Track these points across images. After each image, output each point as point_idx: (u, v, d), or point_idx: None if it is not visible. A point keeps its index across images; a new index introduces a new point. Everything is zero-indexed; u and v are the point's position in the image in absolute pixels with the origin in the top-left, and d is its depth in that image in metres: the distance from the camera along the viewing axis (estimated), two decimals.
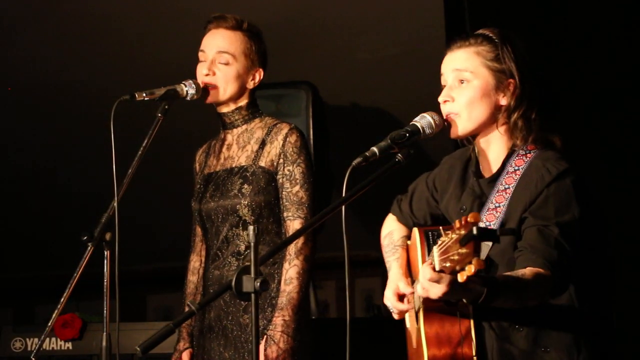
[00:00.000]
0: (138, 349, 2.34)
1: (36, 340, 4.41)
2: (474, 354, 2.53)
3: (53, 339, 4.36)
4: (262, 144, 3.38)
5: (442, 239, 2.23)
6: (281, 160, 3.34)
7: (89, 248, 2.99)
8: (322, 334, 3.84)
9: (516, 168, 2.63)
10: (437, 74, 2.76)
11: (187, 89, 3.30)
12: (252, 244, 2.32)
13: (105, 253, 2.98)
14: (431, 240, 2.65)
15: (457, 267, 2.16)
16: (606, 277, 2.66)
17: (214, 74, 3.37)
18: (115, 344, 2.94)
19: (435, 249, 2.27)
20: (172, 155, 4.74)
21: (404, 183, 3.03)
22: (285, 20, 5.19)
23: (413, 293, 2.71)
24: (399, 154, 2.60)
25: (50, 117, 5.87)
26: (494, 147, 2.71)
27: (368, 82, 5.67)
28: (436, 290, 2.31)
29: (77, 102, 5.72)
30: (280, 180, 3.34)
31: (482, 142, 2.72)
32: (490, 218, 2.58)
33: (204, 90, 3.35)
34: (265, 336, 3.20)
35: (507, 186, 2.61)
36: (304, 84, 4.98)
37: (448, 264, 2.20)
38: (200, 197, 3.44)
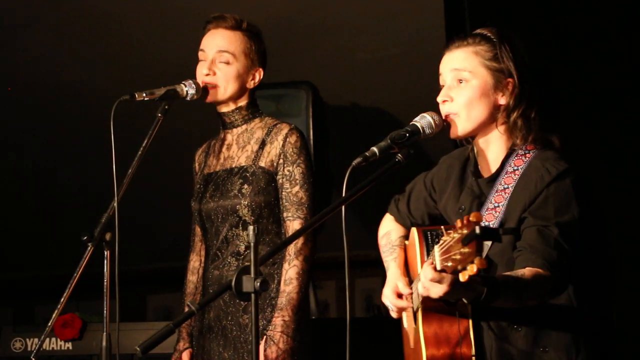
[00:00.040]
0: (138, 349, 2.34)
1: (36, 340, 4.41)
2: (472, 353, 2.53)
3: (53, 339, 4.36)
4: (262, 144, 3.38)
5: (443, 238, 2.23)
6: (281, 161, 3.34)
7: (89, 248, 2.99)
8: (322, 334, 3.84)
9: (515, 168, 2.63)
10: (437, 74, 2.76)
11: (187, 89, 3.30)
12: (252, 244, 2.32)
13: (105, 253, 2.98)
14: (430, 240, 2.64)
15: (459, 267, 2.16)
16: (605, 277, 2.66)
17: (214, 73, 3.37)
18: (115, 344, 2.94)
19: (436, 248, 2.27)
20: (172, 155, 4.74)
21: (404, 183, 3.03)
22: (285, 20, 5.19)
23: (411, 293, 2.72)
24: (399, 154, 2.60)
25: (50, 117, 5.87)
26: (493, 147, 2.71)
27: (368, 82, 5.67)
28: (437, 290, 2.31)
29: (77, 102, 5.72)
30: (280, 181, 3.34)
31: (482, 142, 2.72)
32: (490, 218, 2.58)
33: (204, 90, 3.35)
34: (264, 336, 3.20)
35: (506, 186, 2.61)
36: (304, 84, 4.97)
37: (450, 264, 2.20)
38: (200, 197, 3.44)
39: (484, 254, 2.49)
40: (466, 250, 2.13)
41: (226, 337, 3.32)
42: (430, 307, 2.56)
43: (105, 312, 2.96)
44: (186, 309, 3.36)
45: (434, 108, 2.70)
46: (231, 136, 3.46)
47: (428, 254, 2.61)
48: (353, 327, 2.48)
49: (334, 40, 5.48)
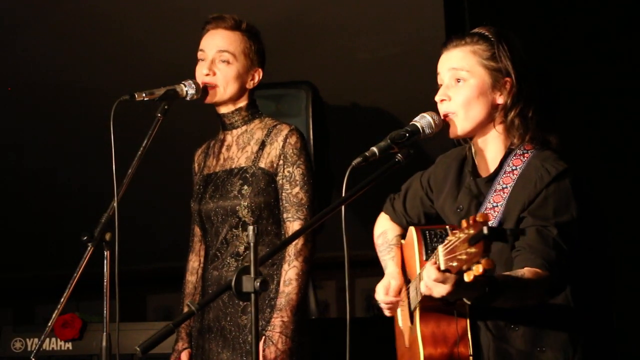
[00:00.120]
0: (138, 349, 2.34)
1: (36, 340, 4.41)
2: (470, 353, 2.53)
3: (53, 339, 4.36)
4: (262, 145, 3.38)
5: (448, 238, 2.23)
6: (281, 162, 3.34)
7: (89, 248, 2.99)
8: (322, 334, 3.83)
9: (514, 168, 2.63)
10: (437, 74, 2.76)
11: (187, 89, 3.29)
12: (251, 245, 2.32)
13: (105, 253, 2.98)
14: (429, 239, 2.64)
15: (464, 267, 2.16)
16: (604, 277, 2.66)
17: (214, 73, 3.37)
18: (115, 344, 2.94)
19: (440, 248, 2.26)
20: (172, 155, 4.74)
21: (404, 183, 3.03)
22: (285, 20, 5.19)
23: (407, 291, 2.72)
24: (399, 154, 2.60)
25: (50, 117, 5.87)
26: (491, 147, 2.71)
27: (368, 82, 5.67)
28: (440, 290, 2.31)
29: (77, 102, 5.72)
30: (280, 182, 3.34)
31: (480, 141, 2.72)
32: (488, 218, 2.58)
33: (204, 90, 3.35)
34: (263, 337, 3.20)
35: (504, 186, 2.61)
36: (304, 84, 4.98)
37: (455, 264, 2.19)
38: (200, 197, 3.44)
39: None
40: (472, 250, 2.13)
41: (225, 338, 3.32)
42: (428, 307, 2.55)
43: (105, 312, 2.95)
44: (186, 309, 3.37)
45: (434, 108, 2.70)
46: (231, 137, 3.46)
47: (427, 253, 2.61)
48: (353, 327, 2.48)
49: (334, 40, 5.48)
